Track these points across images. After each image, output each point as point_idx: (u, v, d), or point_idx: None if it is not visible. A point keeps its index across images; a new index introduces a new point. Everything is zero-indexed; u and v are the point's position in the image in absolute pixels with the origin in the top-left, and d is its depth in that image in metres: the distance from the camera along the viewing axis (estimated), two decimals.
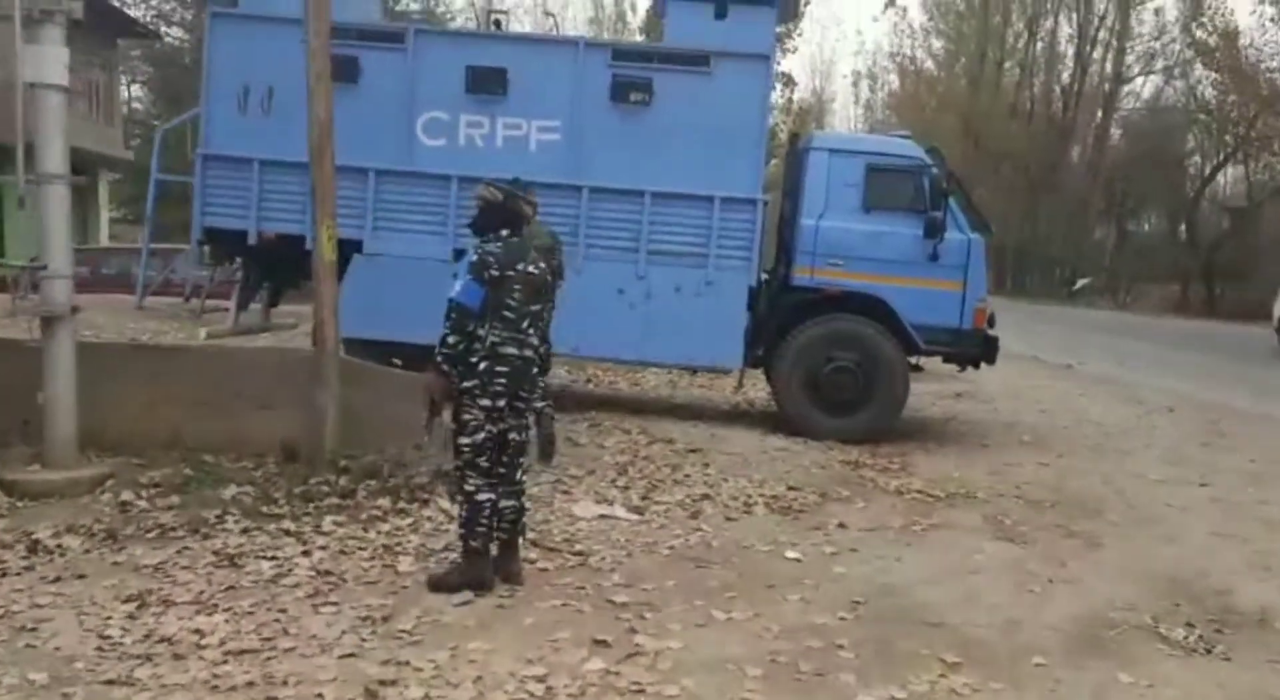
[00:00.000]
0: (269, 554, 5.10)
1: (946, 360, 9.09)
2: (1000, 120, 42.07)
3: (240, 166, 8.42)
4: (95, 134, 22.12)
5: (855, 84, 57.71)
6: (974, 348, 8.71)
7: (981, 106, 42.73)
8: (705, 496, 6.58)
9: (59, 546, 5.08)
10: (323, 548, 5.24)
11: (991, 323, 8.79)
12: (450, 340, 4.55)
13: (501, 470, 4.76)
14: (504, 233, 4.72)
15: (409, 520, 5.75)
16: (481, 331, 4.57)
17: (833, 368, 8.55)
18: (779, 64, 21.80)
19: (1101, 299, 37.70)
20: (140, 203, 19.25)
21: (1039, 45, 44.10)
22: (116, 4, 25.59)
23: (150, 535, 5.28)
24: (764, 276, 8.98)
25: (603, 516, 6.03)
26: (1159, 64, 41.82)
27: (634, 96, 8.41)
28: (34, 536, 5.16)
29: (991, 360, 8.81)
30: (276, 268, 8.98)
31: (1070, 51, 43.41)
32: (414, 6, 30.19)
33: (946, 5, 47.16)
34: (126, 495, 5.79)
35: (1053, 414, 10.88)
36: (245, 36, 8.34)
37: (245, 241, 8.59)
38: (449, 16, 32.02)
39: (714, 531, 5.88)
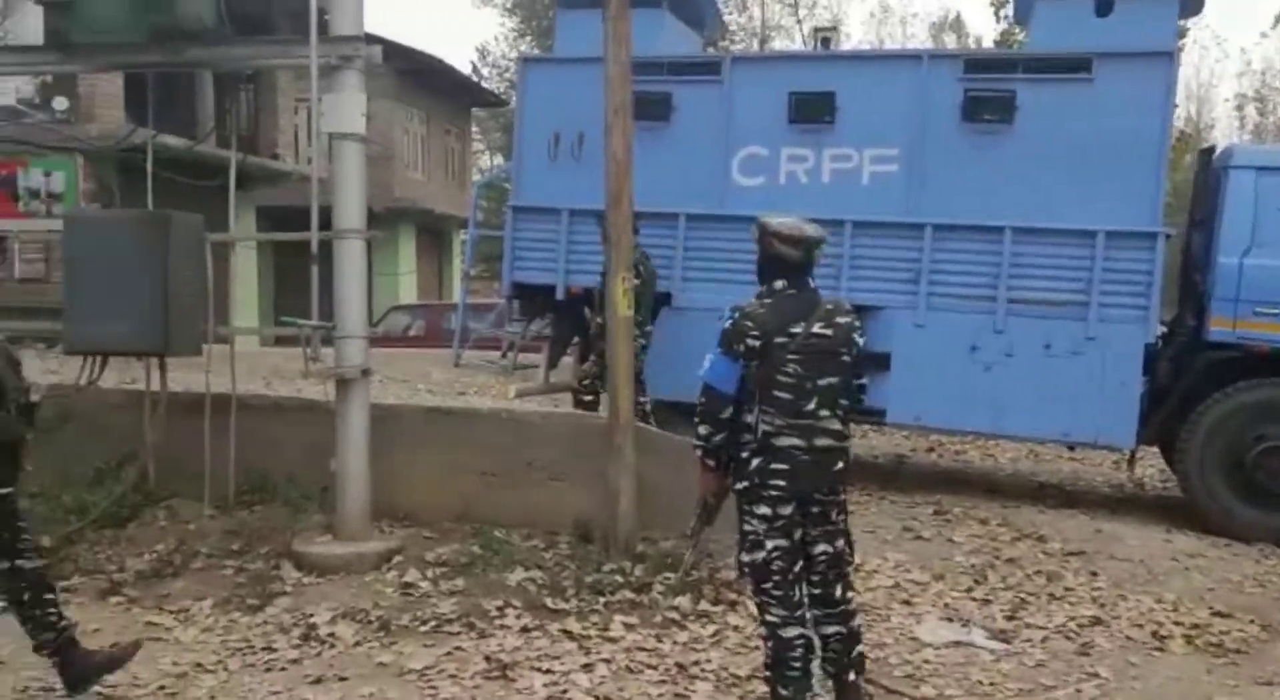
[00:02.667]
0: (546, 665, 4.30)
1: None
2: None
3: (549, 217, 7.98)
4: (452, 197, 23.83)
5: (1240, 108, 50.55)
6: None
7: None
8: (1096, 621, 5.01)
9: (331, 636, 4.59)
10: (607, 660, 4.37)
11: None
12: (702, 431, 3.55)
13: (815, 591, 3.62)
14: (778, 284, 3.58)
15: (711, 629, 4.74)
16: (749, 418, 3.50)
17: (1263, 449, 6.55)
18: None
19: None
20: (494, 261, 20.33)
21: None
22: (473, 78, 27.76)
23: (424, 628, 4.67)
24: (1163, 330, 7.15)
25: (957, 643, 4.67)
26: None
27: (992, 114, 6.98)
28: (311, 620, 4.73)
29: None
30: (588, 323, 8.44)
31: None
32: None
33: None
34: (411, 575, 5.25)
35: None
36: (557, 82, 7.92)
37: (554, 296, 8.13)
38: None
39: (1115, 678, 4.34)
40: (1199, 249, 7.08)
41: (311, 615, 4.77)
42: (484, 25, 67.38)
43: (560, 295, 8.08)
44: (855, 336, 3.61)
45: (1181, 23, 7.39)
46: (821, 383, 3.50)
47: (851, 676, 3.65)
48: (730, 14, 30.76)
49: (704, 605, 4.97)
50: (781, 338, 3.46)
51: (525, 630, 4.65)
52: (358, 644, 4.52)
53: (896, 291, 7.26)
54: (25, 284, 12.40)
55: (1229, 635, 4.87)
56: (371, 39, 5.49)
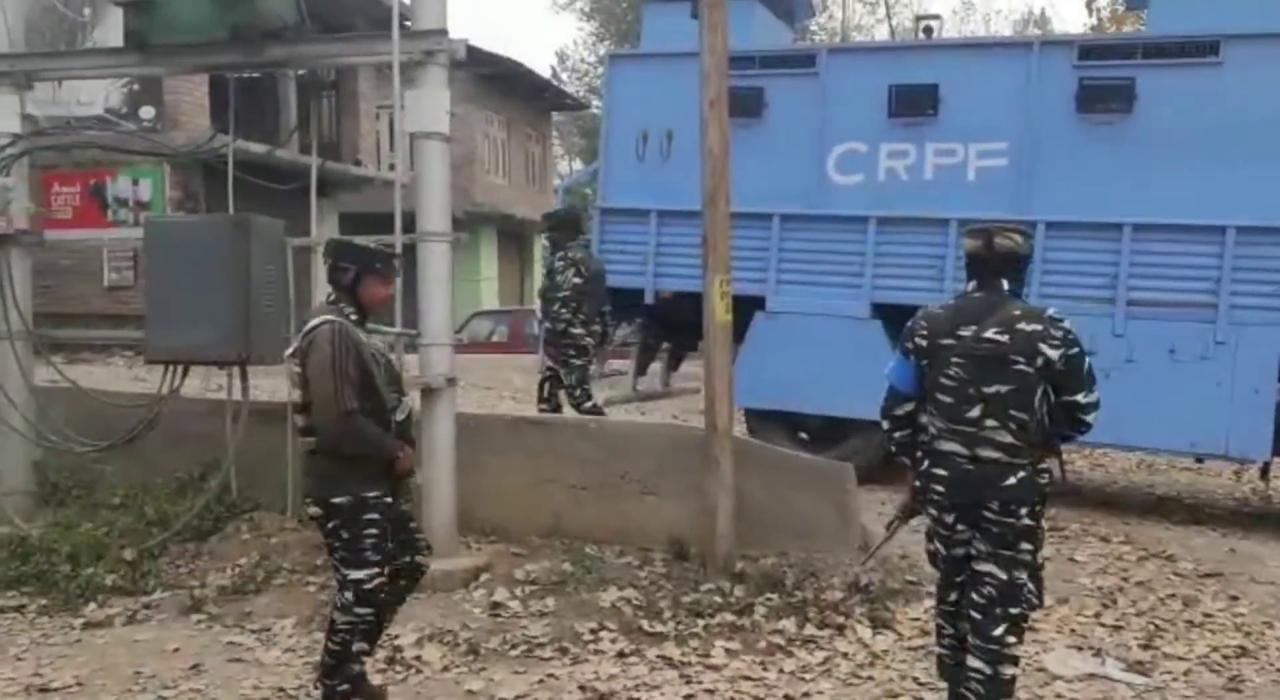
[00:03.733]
0: (645, 694, 4.03)
1: None
2: None
3: (637, 219, 7.71)
4: (532, 201, 23.82)
5: None
6: None
7: None
8: (1242, 652, 4.55)
9: (418, 659, 4.38)
10: (710, 690, 4.08)
11: None
12: (885, 426, 3.60)
13: (975, 615, 3.35)
14: (969, 286, 3.44)
15: (820, 656, 4.42)
16: (925, 418, 3.46)
17: None
18: None
19: None
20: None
21: None
22: (554, 82, 27.75)
23: (514, 653, 4.43)
24: None
25: (1091, 676, 4.27)
26: None
27: (1109, 103, 6.53)
28: (397, 641, 4.52)
29: None
30: (677, 328, 8.15)
31: None
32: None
33: None
34: (500, 594, 5.04)
35: None
36: (645, 78, 7.67)
37: (642, 300, 7.86)
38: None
39: None
40: None
41: (397, 636, 4.56)
42: (563, 29, 67.85)
43: (649, 299, 7.82)
44: (1042, 346, 3.25)
45: None
46: (988, 390, 3.27)
47: None
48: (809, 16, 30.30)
49: (810, 629, 4.65)
50: (948, 340, 3.34)
51: (621, 655, 4.39)
52: (445, 669, 4.30)
53: None
54: (113, 292, 12.60)
55: None
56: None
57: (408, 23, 5.39)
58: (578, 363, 6.76)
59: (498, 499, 5.68)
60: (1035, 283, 6.69)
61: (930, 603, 4.97)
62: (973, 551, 3.33)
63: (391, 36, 5.00)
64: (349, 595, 3.59)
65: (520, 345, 13.80)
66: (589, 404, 6.76)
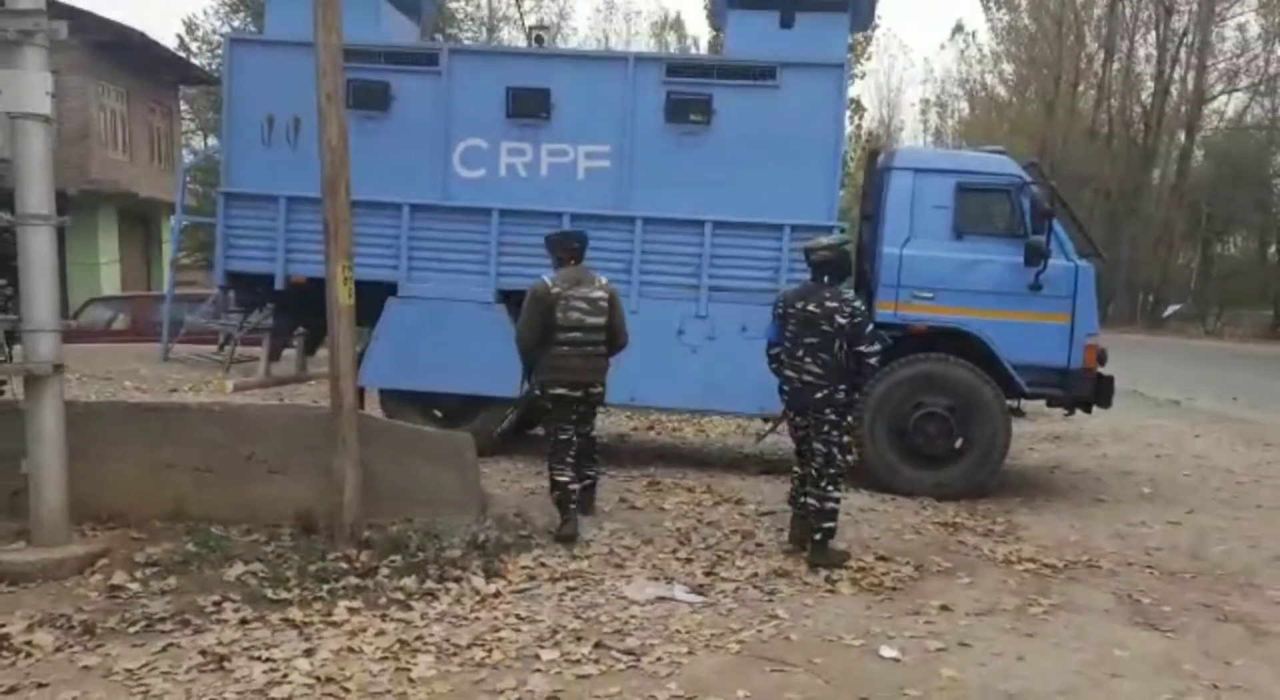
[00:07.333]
0: (265, 653, 4.31)
1: (1051, 404, 8.03)
2: (1078, 144, 40.57)
3: (265, 204, 7.77)
4: (158, 179, 22.15)
5: (924, 112, 56.63)
6: (1084, 389, 7.64)
7: (1057, 130, 41.24)
8: (782, 573, 5.64)
9: (28, 644, 4.33)
10: (329, 643, 4.43)
11: (1103, 360, 7.73)
12: (768, 360, 5.95)
13: (812, 470, 5.78)
14: (809, 277, 5.82)
15: (436, 607, 4.92)
16: (782, 354, 5.82)
17: (921, 414, 7.56)
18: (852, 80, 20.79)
19: (1189, 325, 35.90)
20: (210, 249, 19.11)
21: (1115, 66, 42.55)
22: (181, 53, 25.85)
23: (133, 629, 4.52)
24: None
25: (661, 599, 5.13)
26: (1243, 81, 40.21)
27: (691, 115, 7.58)
28: (3, 630, 4.44)
29: (1106, 403, 7.73)
30: (310, 313, 8.28)
31: (1149, 71, 41.80)
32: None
33: (1017, 30, 45.91)
34: (118, 577, 5.05)
35: (1171, 460, 9.71)
36: (269, 64, 7.71)
37: (273, 286, 7.94)
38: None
39: (792, 619, 4.94)
40: (868, 241, 8.03)
41: (4, 625, 4.49)
42: None
43: (279, 285, 7.91)
44: (836, 316, 5.54)
45: (858, 35, 8.28)
46: (807, 340, 5.62)
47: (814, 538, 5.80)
48: (458, 2, 30.59)
49: (429, 584, 5.13)
50: (791, 309, 5.72)
51: (244, 622, 4.62)
52: (59, 650, 4.31)
53: (613, 281, 7.68)
54: None
55: (888, 576, 5.64)
56: (59, 8, 5.18)
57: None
58: None
59: (116, 486, 5.64)
60: (635, 271, 7.67)
61: (538, 551, 5.75)
62: (802, 432, 5.78)
63: None
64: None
65: (144, 333, 13.02)
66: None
